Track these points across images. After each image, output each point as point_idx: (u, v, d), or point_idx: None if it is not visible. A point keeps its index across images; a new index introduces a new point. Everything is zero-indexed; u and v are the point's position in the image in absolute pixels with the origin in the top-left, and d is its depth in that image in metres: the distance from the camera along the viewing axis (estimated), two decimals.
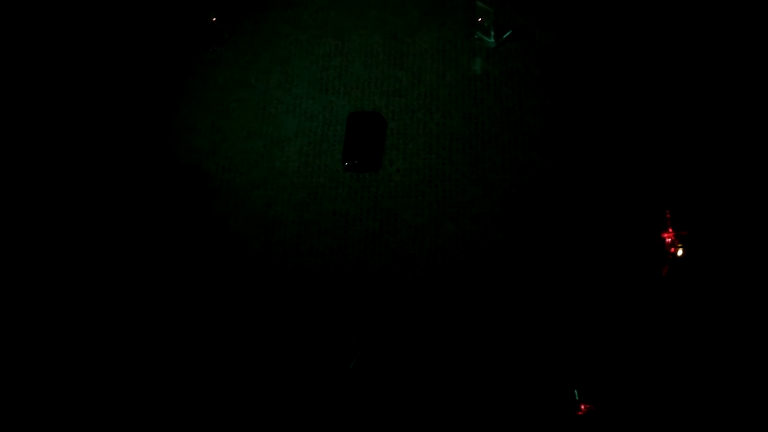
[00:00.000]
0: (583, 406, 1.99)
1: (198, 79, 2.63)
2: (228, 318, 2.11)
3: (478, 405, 1.93)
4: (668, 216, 2.31)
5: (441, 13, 2.92)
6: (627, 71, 2.52)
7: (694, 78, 2.52)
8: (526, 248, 2.19)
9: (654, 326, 2.12)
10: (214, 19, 2.96)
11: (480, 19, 2.80)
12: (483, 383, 1.95)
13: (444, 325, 2.07)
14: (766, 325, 2.36)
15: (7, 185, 3.31)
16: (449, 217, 2.28)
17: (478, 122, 2.49)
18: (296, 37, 2.75)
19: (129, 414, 2.18)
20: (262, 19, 2.85)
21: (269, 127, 2.65)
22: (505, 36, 2.72)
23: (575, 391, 2.00)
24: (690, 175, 2.25)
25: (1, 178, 3.47)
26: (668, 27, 2.62)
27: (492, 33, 2.77)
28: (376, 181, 2.36)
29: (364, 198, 2.32)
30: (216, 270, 2.20)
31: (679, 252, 2.20)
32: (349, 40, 2.74)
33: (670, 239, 2.29)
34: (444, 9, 2.97)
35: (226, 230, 2.73)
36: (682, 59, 2.54)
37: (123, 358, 2.28)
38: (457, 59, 2.69)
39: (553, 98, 2.46)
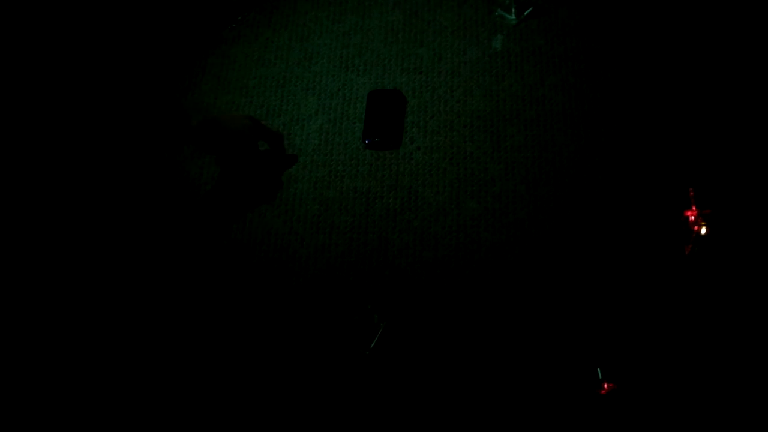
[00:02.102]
0: (606, 385, 1.97)
1: (217, 57, 2.58)
2: (246, 298, 2.08)
3: (498, 383, 1.91)
4: (692, 194, 2.25)
5: None
6: (651, 47, 2.46)
7: (720, 58, 2.47)
8: (549, 226, 2.16)
9: (677, 305, 2.09)
10: None
11: None
12: (504, 361, 1.93)
13: (466, 304, 2.04)
14: None
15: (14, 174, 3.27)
16: (471, 195, 2.23)
17: (500, 100, 2.44)
18: (316, 14, 2.70)
19: (138, 411, 2.16)
20: None
21: (289, 104, 2.61)
22: (526, 13, 2.66)
23: (598, 370, 1.97)
24: (715, 152, 2.19)
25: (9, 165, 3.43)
26: (697, 4, 2.57)
27: (513, 10, 2.72)
28: (397, 159, 2.31)
29: (385, 176, 2.28)
30: (235, 248, 2.18)
31: (703, 230, 2.14)
32: (370, 17, 2.70)
33: (693, 217, 2.23)
34: None
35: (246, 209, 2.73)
36: (708, 38, 2.48)
37: (143, 348, 2.25)
38: (478, 36, 2.64)
39: (576, 75, 2.40)
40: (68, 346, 2.19)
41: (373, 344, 1.80)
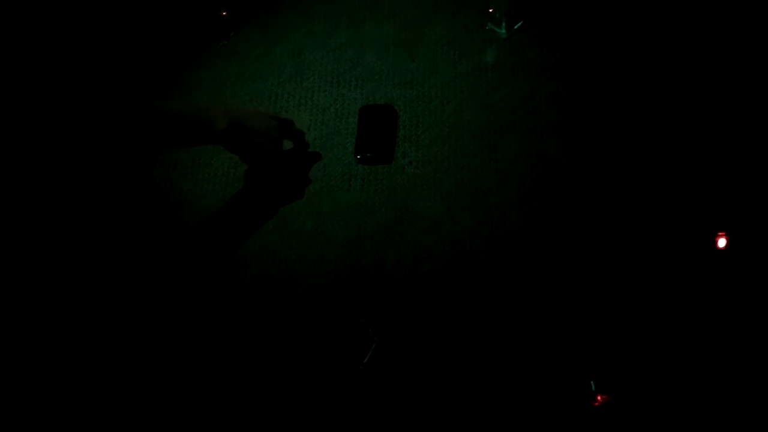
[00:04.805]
0: (599, 397, 1.96)
1: (211, 72, 2.57)
2: (241, 311, 2.07)
3: (492, 396, 1.90)
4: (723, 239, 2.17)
5: (452, 4, 2.88)
6: (641, 57, 2.46)
7: (711, 64, 2.45)
8: (544, 238, 2.15)
9: (670, 317, 2.07)
10: (225, 12, 2.94)
11: (491, 10, 2.76)
12: (498, 374, 1.92)
13: (460, 316, 2.03)
14: None
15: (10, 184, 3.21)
16: (465, 207, 2.22)
17: (492, 112, 2.44)
18: (309, 29, 2.69)
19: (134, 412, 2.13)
20: (274, 11, 2.80)
21: None
22: (516, 26, 2.66)
23: (591, 382, 1.96)
24: (712, 160, 2.17)
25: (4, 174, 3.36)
26: (689, 10, 2.56)
27: (504, 23, 2.72)
28: (390, 173, 2.30)
29: (378, 190, 2.27)
30: (230, 263, 2.17)
31: (721, 243, 2.05)
32: (362, 31, 2.69)
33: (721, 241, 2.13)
34: (455, 0, 2.95)
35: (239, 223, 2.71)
36: (699, 46, 2.46)
37: (136, 355, 2.22)
38: (469, 49, 2.64)
39: (567, 87, 2.39)
40: (68, 348, 2.19)
41: (367, 358, 1.80)
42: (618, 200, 2.13)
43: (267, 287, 1.97)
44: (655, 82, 2.37)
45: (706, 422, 1.77)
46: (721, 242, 1.97)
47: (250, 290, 1.97)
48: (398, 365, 1.82)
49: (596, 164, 2.21)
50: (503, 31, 2.44)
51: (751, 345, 1.88)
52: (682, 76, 2.37)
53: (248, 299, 1.94)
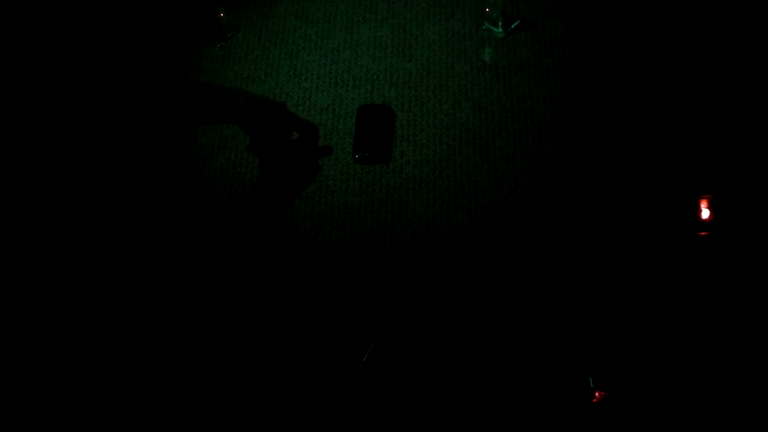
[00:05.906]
0: (597, 394, 1.95)
1: (208, 75, 2.57)
2: (238, 312, 2.05)
3: (490, 393, 1.89)
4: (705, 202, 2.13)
5: (449, 5, 2.87)
6: (637, 56, 2.44)
7: (705, 64, 2.44)
8: (540, 237, 2.14)
9: (669, 314, 2.05)
10: (222, 14, 2.92)
11: (488, 10, 2.75)
12: (496, 372, 1.91)
13: (457, 314, 2.02)
14: None
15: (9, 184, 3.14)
16: (461, 207, 2.22)
17: (488, 112, 2.44)
18: (305, 31, 2.70)
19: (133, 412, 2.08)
20: (270, 14, 2.79)
21: None
22: (513, 26, 2.65)
23: (590, 379, 1.95)
24: (706, 162, 2.16)
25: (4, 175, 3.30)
26: (683, 11, 2.54)
27: (500, 23, 2.72)
28: (387, 173, 2.31)
29: (375, 190, 2.27)
30: (227, 263, 2.14)
31: (705, 215, 1.99)
32: (358, 33, 2.69)
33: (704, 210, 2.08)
34: (452, 0, 2.92)
35: (237, 225, 2.68)
36: (694, 46, 2.45)
37: (127, 355, 2.18)
38: (465, 50, 2.64)
39: (563, 87, 2.39)
40: (69, 346, 2.19)
41: (365, 357, 1.81)
42: (614, 200, 2.14)
43: (263, 287, 1.97)
44: (654, 82, 2.38)
45: (705, 420, 1.78)
46: (705, 213, 1.97)
47: (247, 290, 1.98)
48: (396, 364, 1.82)
49: (592, 164, 2.22)
50: (500, 30, 2.45)
51: (750, 342, 1.89)
52: (680, 76, 2.38)
53: (244, 299, 1.95)
